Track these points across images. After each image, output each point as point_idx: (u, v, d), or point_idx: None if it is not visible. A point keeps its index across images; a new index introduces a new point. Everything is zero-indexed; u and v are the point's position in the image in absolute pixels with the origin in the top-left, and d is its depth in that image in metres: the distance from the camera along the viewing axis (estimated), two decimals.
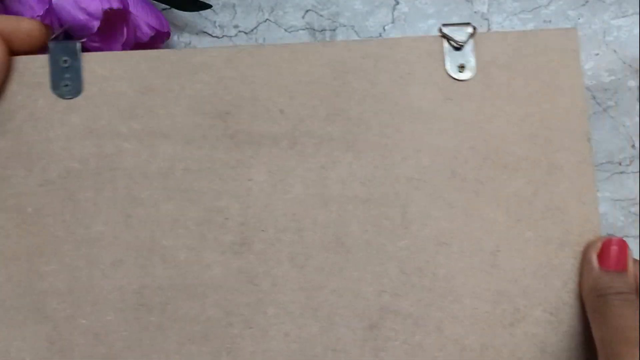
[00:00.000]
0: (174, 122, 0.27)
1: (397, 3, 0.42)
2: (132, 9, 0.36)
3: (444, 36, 0.28)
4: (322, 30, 0.42)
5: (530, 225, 0.27)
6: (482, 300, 0.27)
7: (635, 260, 0.27)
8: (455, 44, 0.28)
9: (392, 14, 0.41)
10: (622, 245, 0.27)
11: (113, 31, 0.35)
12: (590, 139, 0.27)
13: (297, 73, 0.28)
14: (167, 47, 0.42)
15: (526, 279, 0.27)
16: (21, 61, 0.28)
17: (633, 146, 0.39)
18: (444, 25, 0.28)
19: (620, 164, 0.38)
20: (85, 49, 0.35)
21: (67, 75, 0.27)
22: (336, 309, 0.27)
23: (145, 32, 0.37)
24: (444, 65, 0.28)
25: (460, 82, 0.28)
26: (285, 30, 0.42)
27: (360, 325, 0.27)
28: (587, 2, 0.40)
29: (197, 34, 0.43)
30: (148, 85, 0.28)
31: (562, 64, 0.28)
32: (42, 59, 0.28)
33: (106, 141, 0.27)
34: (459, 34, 0.28)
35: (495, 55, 0.28)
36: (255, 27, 0.42)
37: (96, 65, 0.28)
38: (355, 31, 0.42)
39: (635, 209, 0.38)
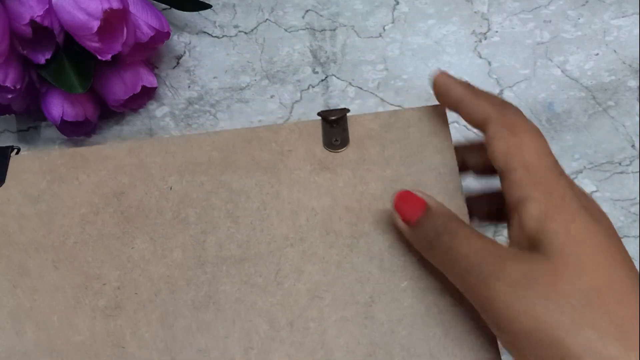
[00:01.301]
0: (73, 204, 0.30)
1: (397, 3, 0.42)
2: (132, 9, 0.36)
3: (322, 116, 0.31)
4: (322, 30, 0.42)
5: (406, 275, 0.28)
6: (355, 354, 0.27)
7: (428, 195, 0.26)
8: (330, 123, 0.31)
9: (392, 14, 0.41)
10: (407, 193, 0.26)
11: (113, 31, 0.35)
12: (463, 193, 0.28)
13: (189, 156, 0.31)
14: (167, 47, 0.42)
15: (403, 329, 0.27)
16: None
17: (633, 146, 0.39)
18: (321, 112, 0.31)
19: (620, 164, 0.38)
20: (86, 50, 0.35)
21: None
22: None
23: (145, 32, 0.37)
24: (321, 140, 0.31)
25: (336, 153, 0.30)
26: (285, 30, 0.42)
27: None
28: (587, 2, 0.40)
29: (197, 34, 0.43)
30: (58, 176, 0.31)
31: (433, 133, 0.30)
32: None
33: (11, 220, 0.30)
34: (334, 114, 0.30)
35: (368, 130, 0.30)
36: (255, 27, 0.42)
37: (20, 161, 0.32)
38: (355, 31, 0.42)
39: (635, 209, 0.38)
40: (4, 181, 0.31)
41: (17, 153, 0.32)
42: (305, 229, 0.29)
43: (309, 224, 0.29)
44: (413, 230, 0.25)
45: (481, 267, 0.22)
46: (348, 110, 0.31)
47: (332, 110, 0.30)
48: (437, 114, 0.30)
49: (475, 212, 0.31)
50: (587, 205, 0.23)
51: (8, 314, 0.29)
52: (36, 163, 0.31)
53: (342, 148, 0.30)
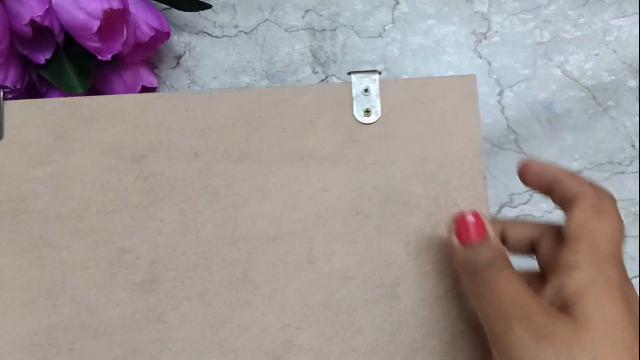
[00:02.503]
0: (89, 166, 0.28)
1: (397, 3, 0.42)
2: (132, 8, 0.36)
3: (352, 82, 0.29)
4: (322, 30, 0.42)
5: (429, 259, 0.28)
6: (382, 332, 0.28)
7: (493, 222, 0.27)
8: (362, 90, 0.29)
9: (392, 14, 0.41)
10: (475, 215, 0.26)
11: (113, 31, 0.35)
12: (485, 177, 0.29)
13: (211, 118, 0.29)
14: (167, 47, 0.42)
15: (424, 310, 0.28)
16: None
17: (633, 146, 0.39)
18: (352, 72, 0.30)
19: (620, 164, 0.38)
20: (86, 50, 0.35)
21: None
22: (241, 343, 0.28)
23: (145, 32, 0.37)
24: (351, 110, 0.29)
25: (366, 125, 0.29)
26: (286, 30, 0.42)
27: (264, 358, 0.27)
28: (587, 2, 0.40)
29: (197, 33, 0.43)
30: (65, 131, 0.29)
31: (461, 108, 0.29)
32: None
33: (22, 184, 0.28)
34: (366, 80, 0.29)
35: (399, 100, 0.29)
36: (255, 27, 0.42)
37: (17, 112, 0.29)
38: (355, 31, 0.42)
39: (635, 209, 0.38)
40: (2, 135, 0.29)
41: (4, 98, 0.29)
42: (335, 208, 0.29)
43: (339, 203, 0.29)
44: (463, 251, 0.26)
45: (511, 307, 0.23)
46: (379, 73, 0.29)
47: (364, 72, 0.29)
48: (468, 84, 0.29)
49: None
50: (628, 291, 0.24)
51: (41, 288, 0.28)
52: (36, 115, 0.29)
53: (374, 119, 0.29)
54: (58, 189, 0.28)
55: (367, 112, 0.29)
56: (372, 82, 0.29)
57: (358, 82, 0.29)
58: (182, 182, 0.29)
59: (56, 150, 0.29)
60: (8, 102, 0.29)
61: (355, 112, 0.29)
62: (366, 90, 0.29)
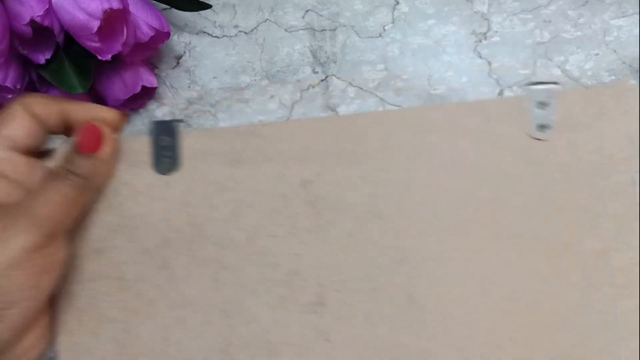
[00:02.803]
0: (259, 192, 0.29)
1: (397, 3, 0.42)
2: (132, 8, 0.36)
3: (528, 96, 0.28)
4: (322, 30, 0.42)
5: (609, 282, 0.28)
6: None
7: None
8: (539, 103, 0.28)
9: (392, 14, 0.41)
10: (94, 129, 0.28)
11: (113, 31, 0.35)
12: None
13: (378, 140, 0.29)
14: (167, 47, 0.42)
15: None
16: (125, 142, 0.30)
17: None
18: (531, 84, 0.28)
19: None
20: (86, 50, 0.35)
21: (166, 153, 0.30)
22: None
23: (145, 32, 0.37)
24: (526, 124, 0.28)
25: (541, 142, 0.28)
26: (286, 30, 0.42)
27: None
28: (587, 2, 0.40)
29: (197, 33, 0.43)
30: (238, 159, 0.30)
31: (627, 116, 0.28)
32: (144, 140, 0.30)
33: (199, 211, 0.30)
34: (543, 93, 0.28)
35: (574, 114, 0.28)
36: (255, 27, 0.42)
37: (193, 142, 0.30)
38: (355, 31, 0.42)
39: None
40: (179, 165, 0.30)
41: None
42: (511, 228, 0.28)
43: (515, 223, 0.28)
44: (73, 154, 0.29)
45: None
46: (557, 84, 0.28)
47: (542, 83, 0.28)
48: (632, 92, 0.28)
49: None
50: None
51: (219, 309, 0.29)
52: (213, 143, 0.30)
53: (548, 137, 0.28)
54: (232, 215, 0.29)
55: (543, 127, 0.28)
56: (550, 95, 0.28)
57: (535, 95, 0.28)
58: (348, 206, 0.29)
59: (230, 179, 0.30)
60: (185, 131, 0.30)
61: (530, 127, 0.28)
62: (544, 103, 0.28)
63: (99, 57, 0.35)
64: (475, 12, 0.41)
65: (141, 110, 0.42)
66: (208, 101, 0.42)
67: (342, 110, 0.41)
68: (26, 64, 0.37)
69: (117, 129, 0.31)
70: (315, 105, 0.41)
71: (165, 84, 0.42)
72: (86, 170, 0.29)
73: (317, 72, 0.42)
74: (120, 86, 0.38)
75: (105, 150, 0.29)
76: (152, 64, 0.42)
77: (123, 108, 0.40)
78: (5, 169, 0.29)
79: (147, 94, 0.41)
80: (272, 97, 0.42)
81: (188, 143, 0.30)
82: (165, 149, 0.30)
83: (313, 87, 0.42)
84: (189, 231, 0.29)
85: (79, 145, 0.29)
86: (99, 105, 0.31)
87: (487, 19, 0.41)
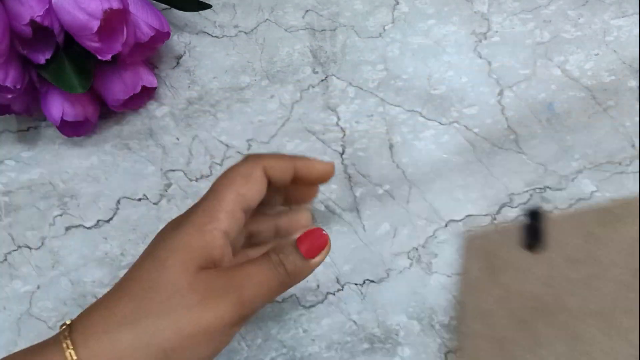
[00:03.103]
0: (609, 266, 0.32)
1: (397, 3, 0.42)
2: (132, 9, 0.36)
3: None
4: (322, 30, 0.42)
5: None
6: None
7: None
8: None
9: (392, 14, 0.41)
10: (321, 238, 0.29)
11: (113, 31, 0.35)
12: None
13: None
14: (167, 47, 0.42)
15: None
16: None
17: (633, 146, 0.39)
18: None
19: (620, 164, 0.38)
20: (86, 50, 0.35)
21: (534, 234, 0.34)
22: None
23: (145, 32, 0.37)
24: None
25: None
26: (285, 30, 0.42)
27: None
28: (587, 2, 0.40)
29: (197, 34, 0.43)
30: (596, 236, 0.32)
31: None
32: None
33: (567, 284, 0.33)
34: None
35: None
36: (255, 27, 0.42)
37: (556, 224, 0.34)
38: (355, 31, 0.42)
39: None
40: (544, 246, 0.34)
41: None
42: None
43: None
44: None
45: None
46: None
47: None
48: None
49: None
50: None
51: None
52: (572, 224, 0.33)
53: None
54: (588, 290, 0.32)
55: None
56: None
57: None
58: None
59: (586, 254, 0.32)
60: (549, 214, 0.33)
61: None
62: None
63: (99, 57, 0.35)
64: (475, 12, 0.41)
65: (141, 110, 0.42)
66: (208, 101, 0.42)
67: (342, 110, 0.41)
68: (26, 64, 0.37)
69: (329, 178, 0.32)
70: (315, 105, 0.41)
71: (165, 84, 0.42)
72: (296, 269, 0.29)
73: (317, 72, 0.42)
74: (120, 86, 0.38)
75: (319, 259, 0.29)
76: (152, 64, 0.42)
77: (123, 108, 0.40)
78: (232, 230, 0.29)
79: (147, 94, 0.41)
80: (272, 97, 0.42)
81: (551, 223, 0.33)
82: (533, 230, 0.34)
83: (313, 87, 0.42)
84: (549, 300, 0.32)
85: (301, 246, 0.29)
86: (320, 161, 0.32)
87: (487, 19, 0.41)
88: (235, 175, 0.29)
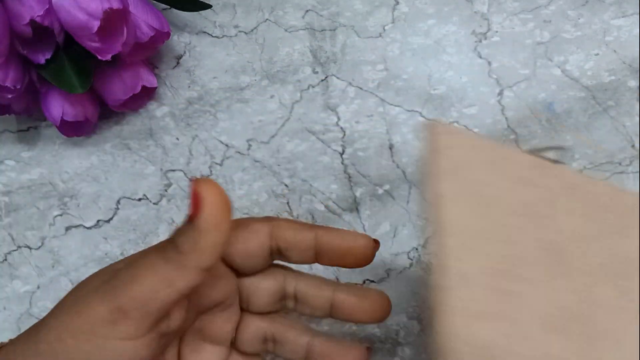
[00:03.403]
0: None
1: (397, 3, 0.42)
2: (132, 9, 0.36)
3: None
4: (322, 30, 0.42)
5: None
6: None
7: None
8: None
9: (392, 14, 0.41)
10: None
11: (113, 31, 0.35)
12: None
13: None
14: (167, 47, 0.42)
15: None
16: None
17: (633, 146, 0.39)
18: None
19: (620, 164, 0.38)
20: (86, 50, 0.35)
21: None
22: None
23: (145, 32, 0.37)
24: None
25: None
26: (285, 30, 0.42)
27: None
28: (587, 2, 0.40)
29: (197, 34, 0.43)
30: None
31: None
32: None
33: None
34: None
35: None
36: (255, 27, 0.42)
37: None
38: (355, 31, 0.42)
39: None
40: None
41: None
42: None
43: None
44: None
45: None
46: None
47: None
48: None
49: None
50: None
51: None
52: None
53: None
54: None
55: None
56: None
57: None
58: None
59: None
60: None
61: None
62: None
63: (99, 57, 0.35)
64: (475, 12, 0.41)
65: (141, 110, 0.42)
66: (208, 101, 0.42)
67: (342, 110, 0.41)
68: (26, 64, 0.37)
69: (368, 260, 0.27)
70: (315, 105, 0.41)
71: (165, 84, 0.42)
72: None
73: (317, 72, 0.42)
74: (120, 86, 0.38)
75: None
76: (152, 64, 0.42)
77: (123, 108, 0.40)
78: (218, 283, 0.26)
79: (147, 94, 0.41)
80: (272, 97, 0.42)
81: None
82: None
83: (313, 87, 0.42)
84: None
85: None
86: (352, 232, 0.27)
87: (487, 19, 0.41)
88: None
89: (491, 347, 0.22)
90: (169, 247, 0.22)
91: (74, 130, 0.40)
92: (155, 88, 0.41)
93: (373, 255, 0.27)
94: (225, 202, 0.22)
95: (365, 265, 0.27)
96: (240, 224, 0.26)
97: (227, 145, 0.41)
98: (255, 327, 0.28)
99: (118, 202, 0.41)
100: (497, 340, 0.22)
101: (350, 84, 0.41)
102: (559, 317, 0.24)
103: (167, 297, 0.22)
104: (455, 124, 0.40)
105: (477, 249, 0.23)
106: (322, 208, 0.39)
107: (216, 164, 0.41)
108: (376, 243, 0.27)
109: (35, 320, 0.40)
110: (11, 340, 0.25)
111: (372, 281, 0.38)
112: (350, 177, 0.40)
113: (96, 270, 0.27)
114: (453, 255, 0.23)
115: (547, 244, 0.25)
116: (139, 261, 0.23)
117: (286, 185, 0.40)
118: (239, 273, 0.27)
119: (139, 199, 0.41)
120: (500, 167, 0.26)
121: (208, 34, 0.43)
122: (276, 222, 0.26)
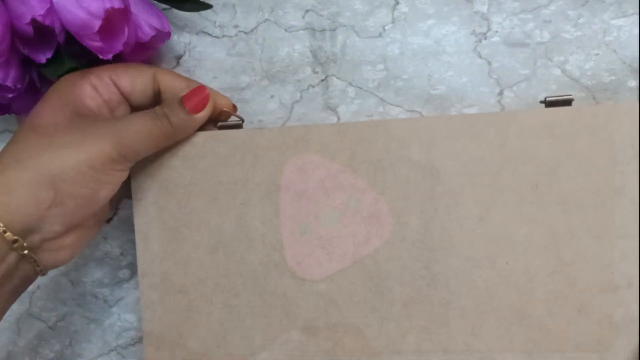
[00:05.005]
0: None
1: (397, 3, 0.42)
2: (133, 8, 0.36)
3: None
4: (322, 30, 0.42)
5: None
6: None
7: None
8: None
9: (392, 14, 0.42)
10: (204, 93, 0.35)
11: (114, 31, 0.35)
12: None
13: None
14: (167, 47, 0.42)
15: None
16: None
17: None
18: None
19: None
20: (87, 49, 0.35)
21: None
22: None
23: (146, 31, 0.37)
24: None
25: None
26: (285, 30, 0.42)
27: None
28: (587, 2, 0.40)
29: (197, 34, 0.43)
30: None
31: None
32: None
33: None
34: None
35: None
36: (255, 27, 0.42)
37: None
38: (355, 31, 0.42)
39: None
40: None
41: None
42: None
43: None
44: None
45: None
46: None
47: None
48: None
49: None
50: None
51: None
52: None
53: None
54: None
55: None
56: None
57: None
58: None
59: None
60: None
61: None
62: None
63: (100, 57, 0.35)
64: (475, 12, 0.41)
65: None
66: None
67: (342, 110, 0.41)
68: (27, 64, 0.37)
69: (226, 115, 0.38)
70: (315, 105, 0.41)
71: None
72: (180, 122, 0.34)
73: (317, 72, 0.42)
74: None
75: (203, 114, 0.35)
76: (153, 64, 0.42)
77: None
78: (101, 89, 0.35)
79: None
80: (272, 97, 0.42)
81: None
82: None
83: (313, 87, 0.42)
84: None
85: (185, 101, 0.34)
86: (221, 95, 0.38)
87: (487, 19, 0.41)
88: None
89: None
90: (164, 121, 0.33)
91: None
92: None
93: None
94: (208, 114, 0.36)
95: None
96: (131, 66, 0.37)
97: None
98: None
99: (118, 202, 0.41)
100: None
101: (350, 84, 0.41)
102: None
103: (152, 150, 0.34)
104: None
105: None
106: None
107: None
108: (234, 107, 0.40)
109: (35, 320, 0.40)
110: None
111: None
112: None
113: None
114: None
115: None
116: (139, 120, 0.34)
117: None
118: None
119: None
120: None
121: (208, 34, 0.43)
122: (158, 68, 0.37)
